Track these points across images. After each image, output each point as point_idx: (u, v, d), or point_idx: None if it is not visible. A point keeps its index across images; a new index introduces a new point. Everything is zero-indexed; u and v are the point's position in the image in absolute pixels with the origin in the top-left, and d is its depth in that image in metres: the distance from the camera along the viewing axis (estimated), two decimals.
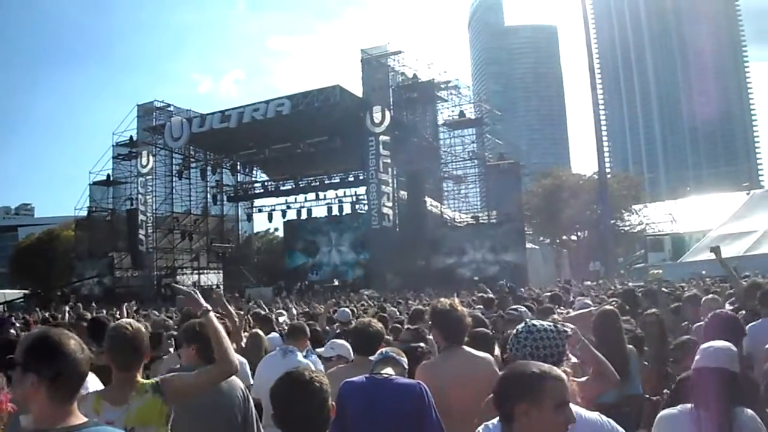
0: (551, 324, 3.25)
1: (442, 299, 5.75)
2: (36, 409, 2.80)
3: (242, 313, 11.21)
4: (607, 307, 7.18)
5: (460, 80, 55.81)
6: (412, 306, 14.67)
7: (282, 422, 3.18)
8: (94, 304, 22.10)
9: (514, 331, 3.34)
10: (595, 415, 3.12)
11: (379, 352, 4.82)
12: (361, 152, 50.00)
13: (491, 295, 15.26)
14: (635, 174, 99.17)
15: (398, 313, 14.45)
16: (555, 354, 3.10)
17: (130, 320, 4.32)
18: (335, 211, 60.63)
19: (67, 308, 19.49)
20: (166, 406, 3.98)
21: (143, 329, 4.18)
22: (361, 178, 54.45)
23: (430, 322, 5.75)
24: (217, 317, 4.52)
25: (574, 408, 3.06)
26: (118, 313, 15.80)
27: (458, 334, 5.34)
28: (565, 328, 3.26)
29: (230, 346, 4.27)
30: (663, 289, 14.20)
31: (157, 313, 20.02)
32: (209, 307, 4.41)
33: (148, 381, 4.02)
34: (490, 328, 8.44)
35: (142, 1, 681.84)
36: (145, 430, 3.88)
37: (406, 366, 4.78)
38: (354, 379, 4.60)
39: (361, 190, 56.41)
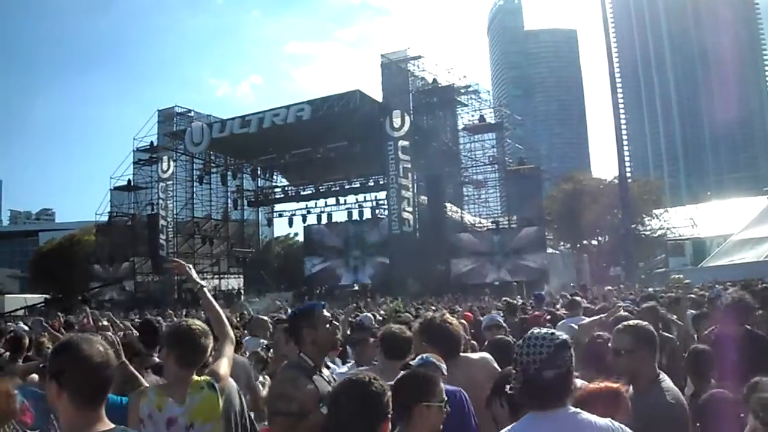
0: (548, 332, 3.20)
1: (431, 313, 5.74)
2: (62, 416, 2.80)
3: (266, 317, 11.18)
4: (622, 313, 7.10)
5: (479, 85, 55.99)
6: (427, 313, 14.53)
7: (330, 422, 3.26)
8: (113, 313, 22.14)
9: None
10: (606, 422, 3.08)
11: (419, 357, 4.78)
12: (381, 157, 50.02)
13: (514, 301, 15.20)
14: (656, 178, 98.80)
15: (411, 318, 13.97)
16: (537, 361, 3.05)
17: (200, 322, 4.41)
18: (355, 216, 60.55)
19: (88, 311, 19.43)
20: (221, 401, 4.11)
21: (210, 333, 4.29)
22: (381, 183, 54.47)
23: (423, 339, 5.67)
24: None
25: (585, 415, 3.06)
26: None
27: (454, 349, 5.30)
28: (560, 335, 3.21)
29: (228, 324, 4.75)
30: (691, 295, 13.92)
31: (175, 317, 19.97)
32: (204, 284, 4.92)
33: (201, 378, 4.13)
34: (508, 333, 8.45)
35: (159, 7, 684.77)
36: (204, 427, 3.98)
37: (446, 372, 4.74)
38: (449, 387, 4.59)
39: (381, 194, 56.49)
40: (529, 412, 3.12)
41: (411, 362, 4.82)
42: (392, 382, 3.81)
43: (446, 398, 3.76)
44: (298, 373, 4.57)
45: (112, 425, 2.84)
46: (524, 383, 3.08)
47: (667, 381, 4.45)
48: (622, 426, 3.08)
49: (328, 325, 4.84)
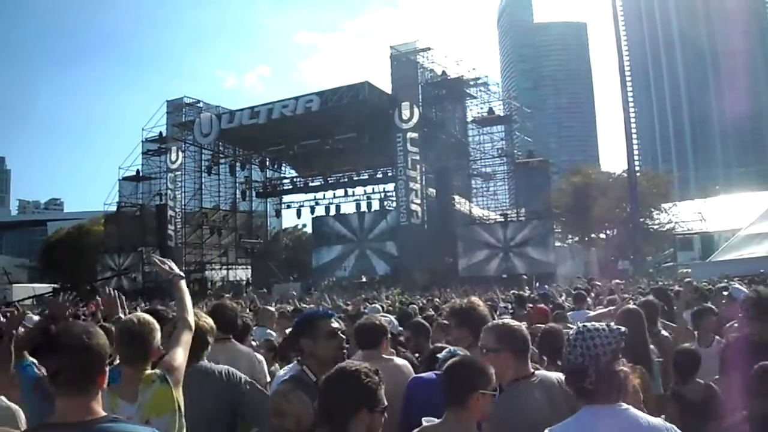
0: (603, 324, 3.20)
1: (458, 299, 5.72)
2: (57, 402, 2.80)
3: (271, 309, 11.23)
4: (631, 306, 7.10)
5: (489, 77, 55.96)
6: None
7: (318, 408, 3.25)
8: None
9: (567, 338, 3.31)
10: (659, 421, 3.08)
11: (447, 349, 4.75)
12: (389, 149, 49.99)
13: (524, 294, 15.22)
14: (664, 172, 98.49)
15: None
16: (608, 352, 3.05)
17: (140, 314, 4.36)
18: (363, 208, 60.74)
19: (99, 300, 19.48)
20: (175, 392, 3.96)
21: (151, 324, 4.19)
22: (389, 174, 54.60)
23: (452, 322, 5.68)
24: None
25: (639, 413, 3.06)
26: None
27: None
28: (619, 327, 3.21)
29: (192, 312, 4.50)
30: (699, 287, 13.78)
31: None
32: (182, 274, 4.73)
33: (152, 371, 4.01)
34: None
35: None
36: (160, 421, 3.84)
37: None
38: (423, 375, 4.72)
39: (390, 186, 56.61)
40: (584, 405, 3.12)
41: (438, 355, 4.81)
42: (444, 369, 3.90)
43: (497, 388, 3.79)
44: (294, 387, 4.22)
45: (103, 413, 2.84)
46: (598, 376, 3.06)
47: (536, 381, 4.35)
48: (674, 426, 3.07)
49: (331, 339, 4.43)
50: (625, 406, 3.06)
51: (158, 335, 4.16)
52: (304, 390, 4.13)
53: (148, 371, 4.00)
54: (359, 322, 5.74)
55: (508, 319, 4.96)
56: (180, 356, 4.13)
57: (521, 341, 4.39)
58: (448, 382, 3.78)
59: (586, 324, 3.23)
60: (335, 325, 4.54)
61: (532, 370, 4.43)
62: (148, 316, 4.27)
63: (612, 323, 3.32)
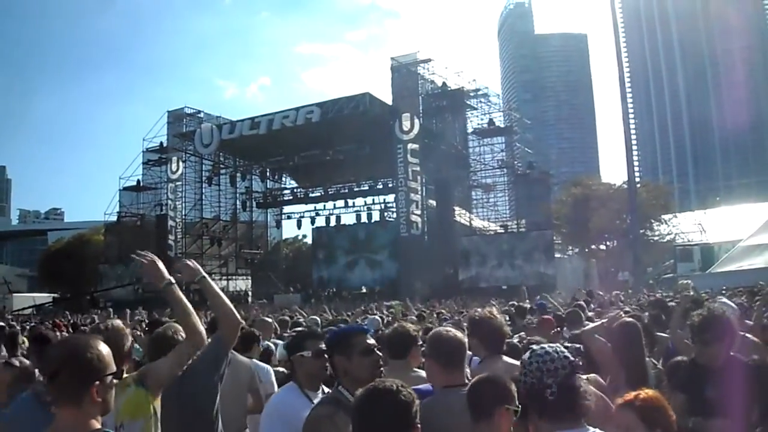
0: (556, 345, 3.19)
1: (478, 309, 5.70)
2: (56, 413, 2.78)
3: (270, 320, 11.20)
4: (628, 319, 7.07)
5: (489, 88, 55.99)
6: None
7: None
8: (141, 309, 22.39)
9: (521, 362, 3.30)
10: None
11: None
12: (389, 160, 49.99)
13: (524, 305, 15.20)
14: (665, 183, 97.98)
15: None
16: (566, 365, 3.02)
17: (112, 321, 4.32)
18: (364, 219, 60.87)
19: (95, 316, 19.50)
20: (151, 397, 3.92)
21: (122, 331, 4.20)
22: (389, 185, 54.65)
23: (467, 331, 5.66)
24: None
25: None
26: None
27: (498, 343, 5.31)
28: (573, 345, 3.18)
29: (197, 318, 4.23)
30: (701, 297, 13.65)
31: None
32: (172, 280, 4.35)
33: (128, 375, 3.98)
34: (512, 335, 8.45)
35: (167, 8, 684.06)
36: (134, 425, 3.84)
37: None
38: (420, 387, 4.34)
39: (390, 197, 56.77)
40: (559, 428, 3.03)
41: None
42: (469, 385, 3.73)
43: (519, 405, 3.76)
44: (335, 409, 3.87)
45: (98, 426, 2.81)
46: (559, 389, 3.01)
47: (464, 393, 4.27)
48: None
49: (366, 356, 4.18)
50: (592, 430, 3.01)
51: (128, 341, 4.17)
52: (345, 411, 3.58)
53: (125, 375, 3.95)
54: (390, 330, 5.63)
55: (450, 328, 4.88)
56: (164, 364, 4.05)
57: (449, 349, 4.28)
58: (474, 397, 3.73)
59: (534, 346, 3.23)
60: (371, 341, 4.31)
61: (467, 381, 4.13)
62: (118, 322, 4.29)
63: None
